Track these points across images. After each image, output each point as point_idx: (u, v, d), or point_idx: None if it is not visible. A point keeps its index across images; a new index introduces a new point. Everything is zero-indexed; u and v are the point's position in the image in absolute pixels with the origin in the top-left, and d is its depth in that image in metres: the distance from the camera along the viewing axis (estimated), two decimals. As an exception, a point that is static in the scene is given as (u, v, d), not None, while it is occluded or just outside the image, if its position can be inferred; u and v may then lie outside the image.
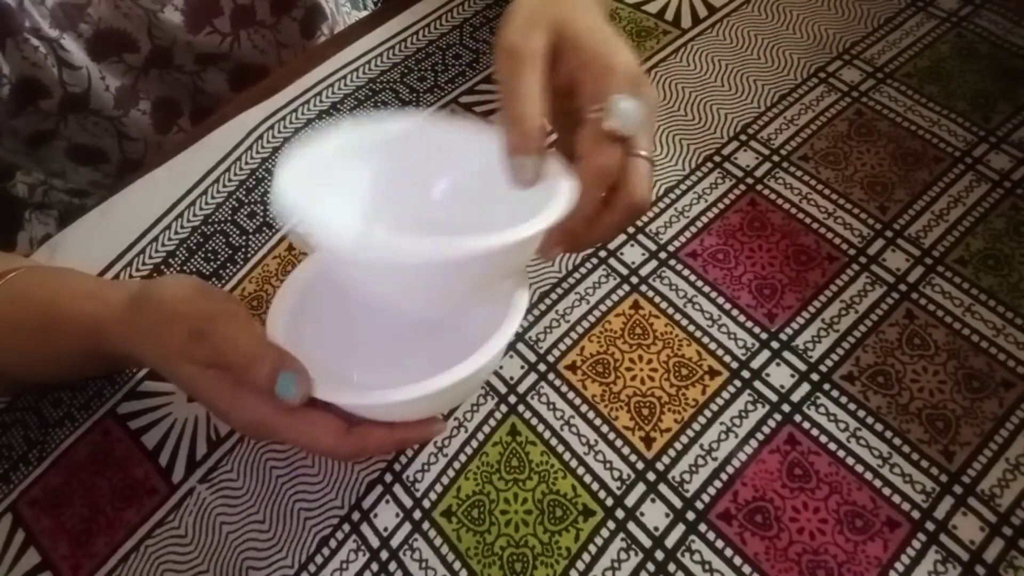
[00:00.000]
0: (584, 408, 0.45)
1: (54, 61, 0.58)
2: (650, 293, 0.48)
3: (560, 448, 0.43)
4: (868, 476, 0.41)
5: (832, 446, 0.42)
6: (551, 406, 0.45)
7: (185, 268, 0.54)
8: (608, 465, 0.43)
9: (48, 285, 0.47)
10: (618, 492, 0.42)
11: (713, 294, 0.48)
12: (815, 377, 0.44)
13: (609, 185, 0.38)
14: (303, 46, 0.72)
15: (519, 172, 0.38)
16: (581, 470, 0.43)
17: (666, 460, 0.43)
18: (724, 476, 0.42)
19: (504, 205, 0.38)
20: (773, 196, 0.52)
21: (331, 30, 0.74)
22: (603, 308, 0.48)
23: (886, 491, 0.41)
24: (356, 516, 0.43)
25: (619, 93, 0.37)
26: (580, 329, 0.47)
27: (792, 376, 0.45)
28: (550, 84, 0.39)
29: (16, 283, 0.46)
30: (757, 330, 0.46)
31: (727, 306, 0.47)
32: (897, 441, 0.42)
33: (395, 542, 0.42)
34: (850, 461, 0.42)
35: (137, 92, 0.65)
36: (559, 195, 0.36)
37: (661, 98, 0.57)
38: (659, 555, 0.40)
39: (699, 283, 0.49)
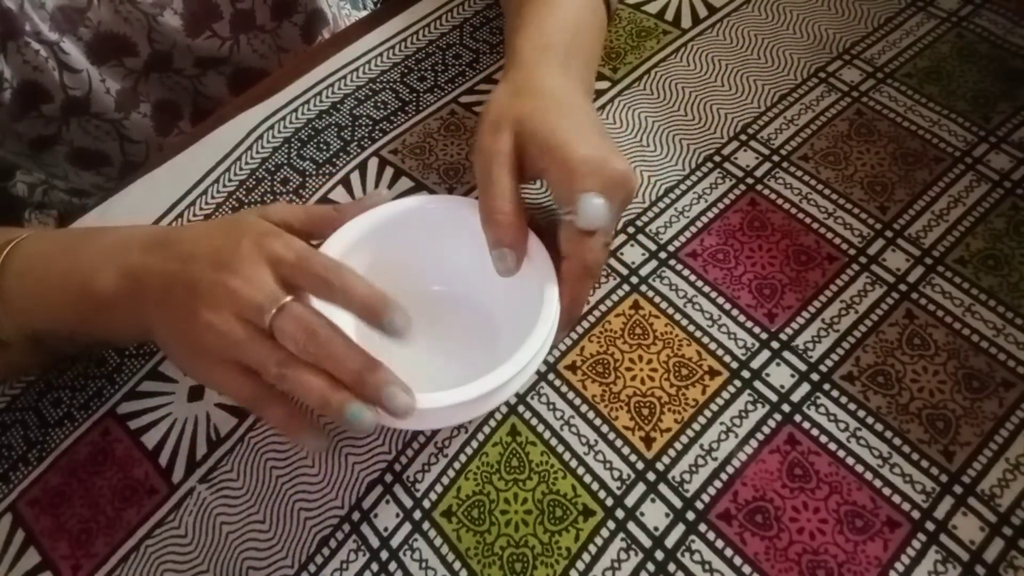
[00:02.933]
0: (584, 408, 0.45)
1: (55, 64, 0.58)
2: (650, 293, 0.48)
3: (560, 448, 0.43)
4: (868, 476, 0.41)
5: (832, 446, 0.42)
6: (551, 406, 0.45)
7: (185, 268, 0.54)
8: (608, 465, 0.43)
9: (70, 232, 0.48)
10: (618, 492, 0.42)
11: (713, 294, 0.48)
12: (815, 377, 0.44)
13: (597, 275, 0.42)
14: (304, 51, 0.72)
15: (501, 263, 0.42)
16: (581, 470, 0.43)
17: (666, 460, 0.43)
18: (724, 476, 0.42)
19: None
20: (773, 196, 0.52)
21: (332, 35, 0.74)
22: (603, 308, 0.48)
23: (886, 491, 0.41)
24: (356, 516, 0.43)
25: (585, 191, 0.40)
26: (580, 329, 0.47)
27: (792, 376, 0.45)
28: (522, 176, 0.43)
29: (37, 237, 0.46)
30: (757, 330, 0.46)
31: (727, 306, 0.47)
32: (897, 441, 0.42)
33: (395, 542, 0.42)
34: (850, 461, 0.42)
35: (138, 95, 0.65)
36: (536, 336, 0.40)
37: (661, 98, 0.57)
38: (659, 555, 0.40)
39: (699, 283, 0.49)
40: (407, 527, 0.42)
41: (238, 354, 0.38)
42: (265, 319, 0.37)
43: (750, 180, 0.53)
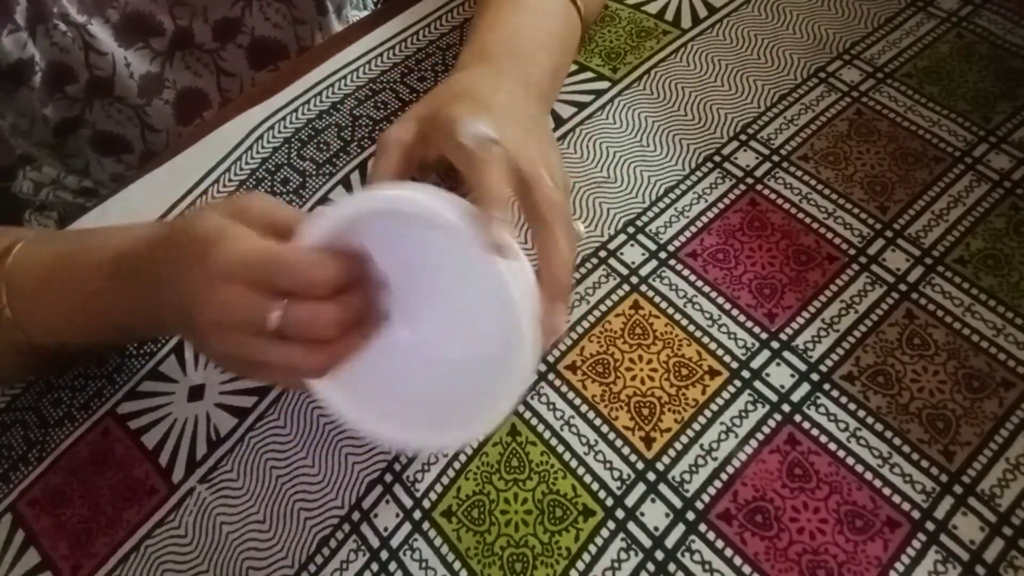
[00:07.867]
0: (584, 408, 0.45)
1: (81, 45, 0.59)
2: (650, 293, 0.48)
3: (560, 448, 0.43)
4: (868, 476, 0.41)
5: (832, 446, 0.42)
6: (551, 406, 0.45)
7: (185, 268, 0.54)
8: (608, 465, 0.43)
9: (69, 235, 0.48)
10: (618, 492, 0.42)
11: (713, 294, 0.48)
12: (815, 377, 0.44)
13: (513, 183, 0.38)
14: (319, 23, 0.73)
15: None
16: (581, 470, 0.43)
17: (666, 460, 0.43)
18: (724, 476, 0.42)
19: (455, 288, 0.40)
20: (773, 196, 0.52)
21: (332, 35, 0.75)
22: (603, 308, 0.48)
23: (886, 491, 0.41)
24: (356, 516, 0.43)
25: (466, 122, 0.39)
26: (580, 329, 0.47)
27: (792, 376, 0.45)
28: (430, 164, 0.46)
29: (41, 241, 0.46)
30: (757, 330, 0.46)
31: (727, 306, 0.47)
32: (897, 441, 0.42)
33: (395, 542, 0.42)
34: (850, 461, 0.42)
35: (163, 81, 0.66)
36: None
37: (661, 98, 0.57)
38: (659, 555, 0.40)
39: (699, 283, 0.49)
40: (407, 527, 0.42)
41: (240, 321, 0.35)
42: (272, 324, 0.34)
43: (750, 180, 0.53)
